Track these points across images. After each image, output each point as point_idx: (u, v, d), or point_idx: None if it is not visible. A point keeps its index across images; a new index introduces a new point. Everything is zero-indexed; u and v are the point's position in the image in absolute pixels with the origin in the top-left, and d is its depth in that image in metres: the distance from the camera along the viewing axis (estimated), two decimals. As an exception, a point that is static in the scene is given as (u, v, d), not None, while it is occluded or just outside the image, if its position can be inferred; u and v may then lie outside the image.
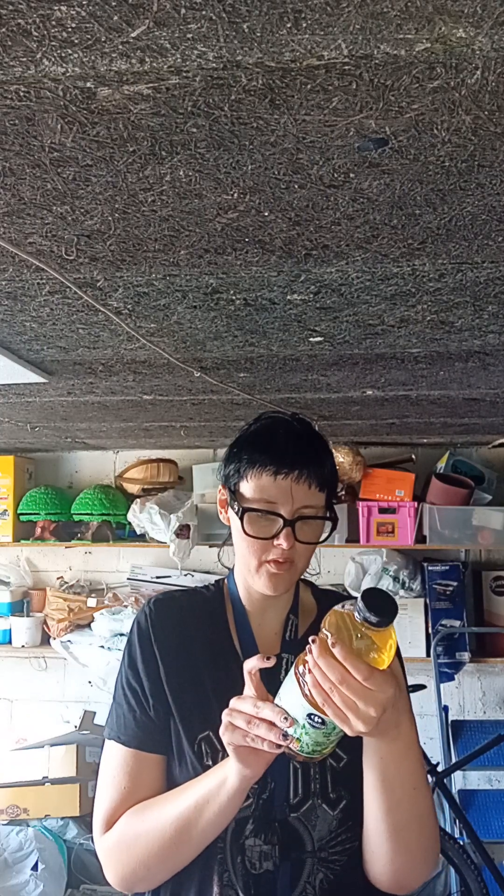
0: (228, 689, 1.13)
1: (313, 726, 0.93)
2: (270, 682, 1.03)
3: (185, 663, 1.17)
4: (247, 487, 1.13)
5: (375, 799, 1.03)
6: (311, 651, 0.92)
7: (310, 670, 0.92)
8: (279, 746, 0.94)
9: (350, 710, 0.89)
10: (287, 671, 1.12)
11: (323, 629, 0.94)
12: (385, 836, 1.05)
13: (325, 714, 0.92)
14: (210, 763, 1.11)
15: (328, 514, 1.15)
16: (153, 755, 1.15)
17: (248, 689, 1.00)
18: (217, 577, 1.31)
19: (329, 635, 0.92)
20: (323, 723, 0.93)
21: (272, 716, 0.95)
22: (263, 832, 1.10)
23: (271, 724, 0.94)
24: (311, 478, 1.11)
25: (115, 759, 1.16)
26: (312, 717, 0.93)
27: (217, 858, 1.09)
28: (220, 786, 1.02)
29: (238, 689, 1.09)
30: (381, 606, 0.90)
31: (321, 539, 1.15)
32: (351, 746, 1.03)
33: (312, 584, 1.31)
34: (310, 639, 0.93)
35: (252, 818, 1.10)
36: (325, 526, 1.15)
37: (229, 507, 1.17)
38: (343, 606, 0.94)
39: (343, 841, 1.11)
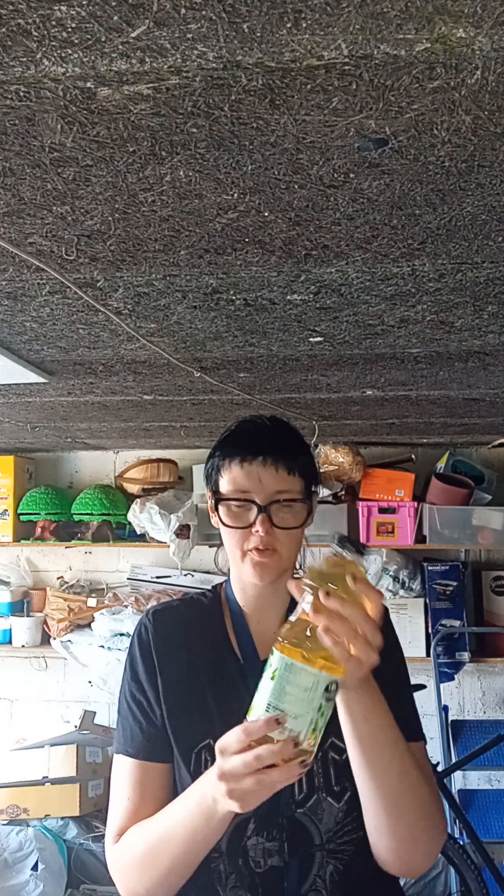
0: (228, 692, 1.14)
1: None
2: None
3: (186, 672, 1.18)
4: (223, 483, 1.17)
5: (363, 767, 1.02)
6: (317, 597, 0.92)
7: (321, 614, 0.91)
8: (303, 764, 0.92)
9: (361, 641, 0.90)
10: None
11: (307, 586, 0.94)
12: (380, 807, 1.04)
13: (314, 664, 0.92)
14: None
15: (302, 498, 1.16)
16: (160, 764, 1.16)
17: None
18: (216, 582, 1.31)
19: (316, 587, 0.94)
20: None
21: (263, 727, 0.91)
22: (266, 830, 1.10)
23: (282, 749, 0.90)
24: (277, 462, 1.13)
25: (123, 771, 1.17)
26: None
27: (211, 867, 1.10)
28: (207, 821, 1.00)
29: (236, 692, 1.09)
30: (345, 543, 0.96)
31: (300, 524, 1.15)
32: None
33: None
34: (303, 601, 0.94)
35: (253, 818, 1.10)
36: (304, 511, 1.15)
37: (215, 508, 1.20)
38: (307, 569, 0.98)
39: (350, 832, 1.12)
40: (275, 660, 0.93)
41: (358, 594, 0.93)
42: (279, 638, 0.94)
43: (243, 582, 1.20)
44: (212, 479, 1.20)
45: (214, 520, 1.21)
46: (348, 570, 0.94)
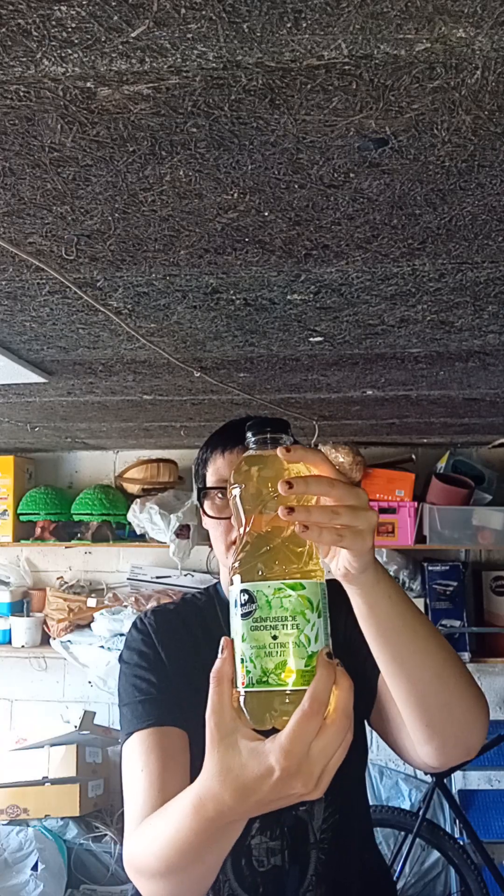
0: None
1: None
2: None
3: (187, 670, 1.14)
4: (208, 476, 1.18)
5: (407, 658, 0.88)
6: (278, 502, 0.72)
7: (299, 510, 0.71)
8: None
9: (346, 511, 0.73)
10: None
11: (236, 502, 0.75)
12: (437, 692, 0.90)
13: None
14: None
15: None
16: (178, 729, 1.03)
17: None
18: (209, 583, 1.30)
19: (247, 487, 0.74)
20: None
21: (327, 682, 0.68)
22: (269, 829, 1.09)
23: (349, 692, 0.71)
24: None
25: (135, 750, 1.04)
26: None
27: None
28: (222, 835, 0.81)
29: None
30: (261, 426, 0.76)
31: None
32: None
33: None
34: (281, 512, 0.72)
35: (258, 818, 1.09)
36: None
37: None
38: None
39: (327, 818, 1.11)
40: (295, 602, 0.70)
41: (296, 465, 0.74)
42: (282, 571, 0.71)
43: None
44: (199, 476, 1.21)
45: (205, 520, 1.21)
46: (276, 462, 0.75)
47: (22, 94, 0.67)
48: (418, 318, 1.38)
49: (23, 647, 3.61)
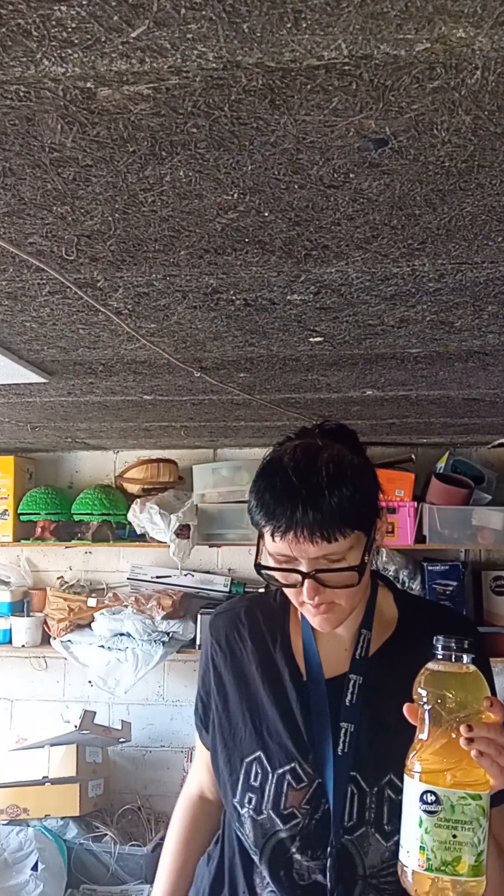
0: (283, 705, 1.13)
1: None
2: (332, 703, 1.08)
3: (243, 681, 1.18)
4: (268, 547, 1.06)
5: None
6: (468, 729, 0.89)
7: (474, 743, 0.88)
8: None
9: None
10: (353, 693, 1.11)
11: (425, 701, 0.92)
12: None
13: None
14: (256, 784, 1.11)
15: (353, 564, 1.03)
16: (204, 750, 1.27)
17: None
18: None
19: (449, 710, 0.91)
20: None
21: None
22: (311, 850, 1.08)
23: None
24: (313, 533, 1.00)
25: (197, 744, 1.33)
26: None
27: (254, 869, 1.14)
28: None
29: (291, 705, 1.12)
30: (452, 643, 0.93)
31: (356, 582, 1.03)
32: None
33: (395, 587, 1.23)
34: (461, 730, 0.89)
35: (299, 836, 1.08)
36: (354, 574, 1.03)
37: None
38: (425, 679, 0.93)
39: (395, 872, 1.06)
40: (462, 803, 0.88)
41: (479, 700, 0.91)
42: (443, 775, 0.89)
43: None
44: (254, 523, 1.08)
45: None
46: (464, 681, 0.91)
47: (22, 94, 0.67)
48: (418, 318, 1.38)
49: (23, 646, 3.61)
